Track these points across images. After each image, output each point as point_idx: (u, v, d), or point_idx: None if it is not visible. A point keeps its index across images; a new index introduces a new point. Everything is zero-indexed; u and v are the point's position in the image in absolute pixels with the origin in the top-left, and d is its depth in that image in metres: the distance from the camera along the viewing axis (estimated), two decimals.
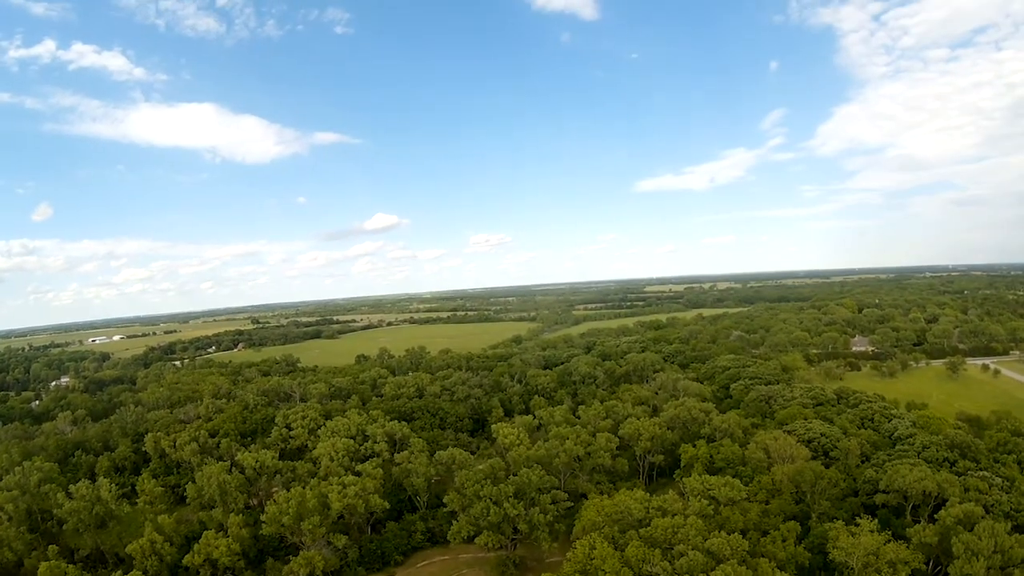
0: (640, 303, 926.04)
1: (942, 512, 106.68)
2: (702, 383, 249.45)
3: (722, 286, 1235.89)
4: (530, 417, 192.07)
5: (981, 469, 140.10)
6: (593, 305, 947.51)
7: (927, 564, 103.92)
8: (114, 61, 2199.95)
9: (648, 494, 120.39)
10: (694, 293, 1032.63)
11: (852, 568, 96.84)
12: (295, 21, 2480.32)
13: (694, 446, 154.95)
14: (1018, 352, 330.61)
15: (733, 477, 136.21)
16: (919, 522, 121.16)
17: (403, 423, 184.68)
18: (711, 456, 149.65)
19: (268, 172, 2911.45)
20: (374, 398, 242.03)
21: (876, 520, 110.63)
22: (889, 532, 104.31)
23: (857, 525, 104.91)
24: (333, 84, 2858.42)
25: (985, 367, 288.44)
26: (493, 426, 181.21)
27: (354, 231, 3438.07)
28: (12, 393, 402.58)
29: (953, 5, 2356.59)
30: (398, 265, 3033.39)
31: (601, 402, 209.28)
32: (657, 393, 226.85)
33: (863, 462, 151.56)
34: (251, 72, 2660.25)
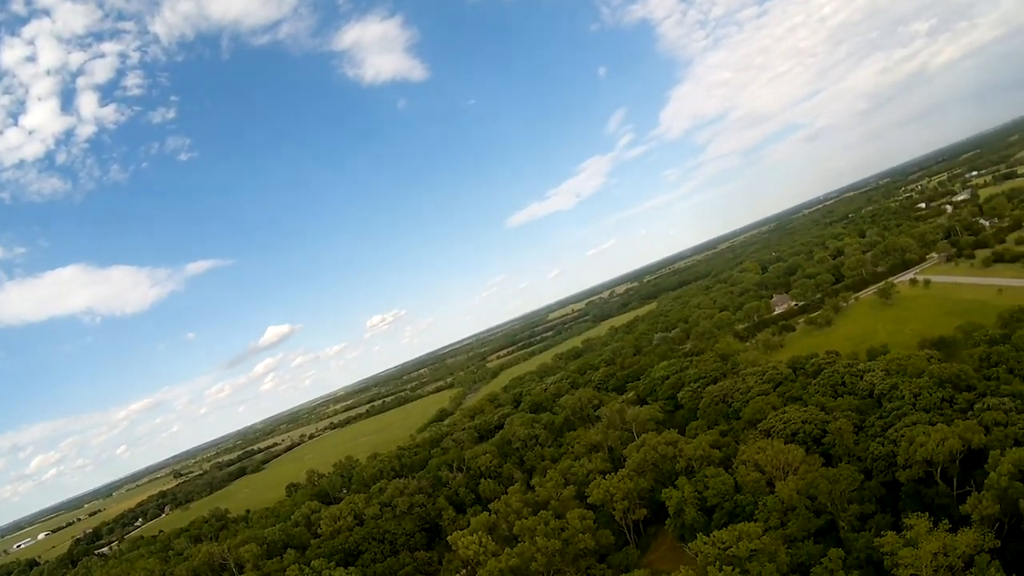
0: (549, 333, 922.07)
1: (992, 475, 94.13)
2: (646, 402, 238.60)
3: (620, 290, 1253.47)
4: (485, 514, 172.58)
5: (981, 396, 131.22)
6: (505, 351, 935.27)
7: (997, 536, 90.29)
8: None
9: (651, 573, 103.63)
10: (597, 306, 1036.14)
11: None
12: (138, 159, 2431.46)
13: (676, 486, 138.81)
14: (935, 255, 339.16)
15: (734, 511, 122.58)
16: (951, 485, 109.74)
17: (349, 569, 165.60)
18: (699, 493, 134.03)
19: (151, 317, 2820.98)
20: (312, 540, 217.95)
21: (920, 509, 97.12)
22: (945, 520, 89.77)
23: (901, 526, 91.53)
24: (191, 212, 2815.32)
25: (913, 281, 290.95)
26: (449, 538, 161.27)
27: (251, 351, 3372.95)
28: None
29: None
30: (304, 371, 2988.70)
31: (553, 461, 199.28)
32: (608, 431, 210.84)
33: (857, 433, 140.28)
34: (108, 222, 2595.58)
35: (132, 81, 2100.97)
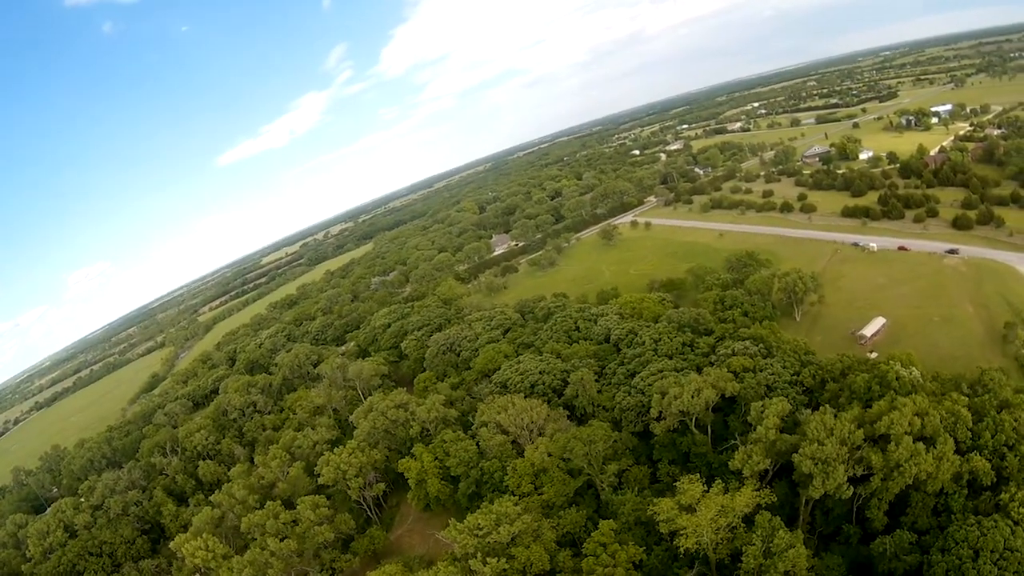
0: (263, 279, 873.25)
1: (760, 429, 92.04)
2: (368, 353, 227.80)
3: (336, 230, 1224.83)
4: (208, 509, 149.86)
5: (720, 339, 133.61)
6: (217, 301, 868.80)
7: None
8: None
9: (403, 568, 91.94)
10: (311, 249, 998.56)
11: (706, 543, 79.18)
12: None
13: (413, 455, 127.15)
14: (652, 198, 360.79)
15: (482, 479, 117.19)
16: (705, 432, 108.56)
17: None
18: (440, 461, 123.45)
19: None
20: (23, 565, 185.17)
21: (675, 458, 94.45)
22: (719, 481, 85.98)
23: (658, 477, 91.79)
24: None
25: (635, 223, 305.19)
26: (172, 544, 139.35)
27: None
28: None
29: None
30: (2, 343, 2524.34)
31: (275, 430, 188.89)
32: (331, 391, 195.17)
33: (598, 379, 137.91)
34: None
35: None
